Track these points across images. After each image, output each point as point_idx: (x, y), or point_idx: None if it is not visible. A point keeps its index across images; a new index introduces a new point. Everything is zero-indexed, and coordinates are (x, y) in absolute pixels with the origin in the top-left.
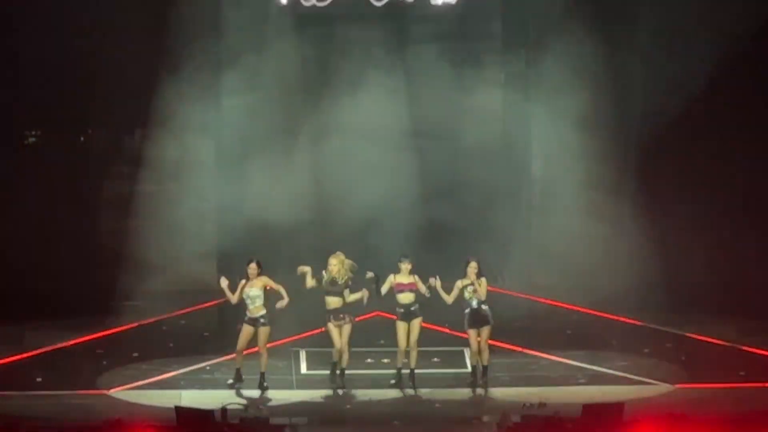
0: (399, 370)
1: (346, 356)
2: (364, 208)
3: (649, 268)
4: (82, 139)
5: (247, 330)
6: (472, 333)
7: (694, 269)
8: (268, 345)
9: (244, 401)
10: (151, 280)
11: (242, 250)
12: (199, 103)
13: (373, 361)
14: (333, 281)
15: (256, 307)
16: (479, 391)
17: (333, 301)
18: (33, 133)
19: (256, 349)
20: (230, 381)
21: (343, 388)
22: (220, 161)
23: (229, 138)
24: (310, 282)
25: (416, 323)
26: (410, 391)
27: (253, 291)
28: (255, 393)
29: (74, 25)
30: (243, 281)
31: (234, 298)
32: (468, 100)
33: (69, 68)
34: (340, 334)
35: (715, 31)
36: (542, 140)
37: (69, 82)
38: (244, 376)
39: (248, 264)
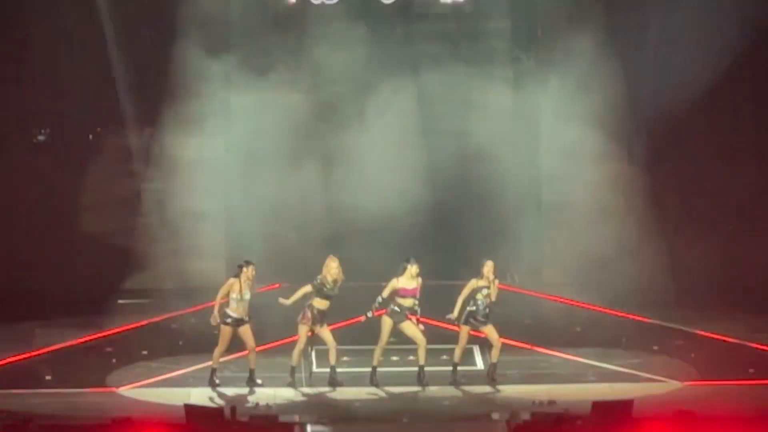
0: (374, 368)
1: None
2: (373, 206)
3: (659, 265)
4: (90, 137)
5: (228, 332)
6: (466, 329)
7: (704, 266)
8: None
9: (253, 399)
10: (160, 278)
11: (251, 247)
12: (208, 101)
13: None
14: (335, 282)
15: (244, 309)
16: (489, 388)
17: (324, 303)
18: (42, 131)
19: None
20: (218, 382)
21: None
22: (230, 159)
23: (239, 136)
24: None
25: (408, 324)
26: (419, 389)
27: (248, 294)
28: (266, 391)
29: (82, 24)
30: (237, 285)
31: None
32: (477, 98)
33: (78, 67)
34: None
35: (725, 27)
36: (552, 138)
37: (78, 80)
38: (255, 374)
39: (246, 266)
